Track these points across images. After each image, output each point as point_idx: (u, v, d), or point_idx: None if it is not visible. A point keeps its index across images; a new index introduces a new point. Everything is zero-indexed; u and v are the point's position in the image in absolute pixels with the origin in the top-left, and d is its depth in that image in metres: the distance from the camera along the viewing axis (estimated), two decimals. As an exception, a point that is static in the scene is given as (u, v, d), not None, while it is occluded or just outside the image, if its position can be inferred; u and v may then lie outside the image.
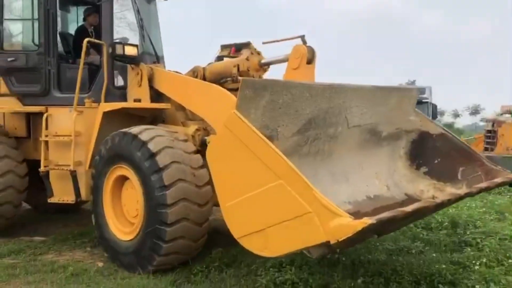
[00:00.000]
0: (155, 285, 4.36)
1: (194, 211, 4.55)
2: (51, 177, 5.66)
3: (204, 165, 4.66)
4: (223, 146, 3.57)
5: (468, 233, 5.80)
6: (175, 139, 4.79)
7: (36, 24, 5.86)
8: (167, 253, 4.52)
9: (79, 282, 4.48)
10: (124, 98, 5.87)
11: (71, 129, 5.48)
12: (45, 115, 5.65)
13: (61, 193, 5.63)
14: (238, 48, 5.86)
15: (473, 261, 4.84)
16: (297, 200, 3.16)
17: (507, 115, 16.41)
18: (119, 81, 5.97)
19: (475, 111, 44.60)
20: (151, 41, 6.27)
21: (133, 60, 5.60)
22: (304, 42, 5.10)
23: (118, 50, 5.37)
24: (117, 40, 5.83)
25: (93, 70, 5.89)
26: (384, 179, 5.18)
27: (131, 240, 4.77)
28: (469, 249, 5.34)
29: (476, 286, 4.28)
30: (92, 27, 6.68)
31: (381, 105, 4.95)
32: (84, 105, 5.62)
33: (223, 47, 6.30)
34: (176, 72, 5.89)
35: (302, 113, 4.03)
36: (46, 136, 5.64)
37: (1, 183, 5.69)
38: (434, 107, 16.80)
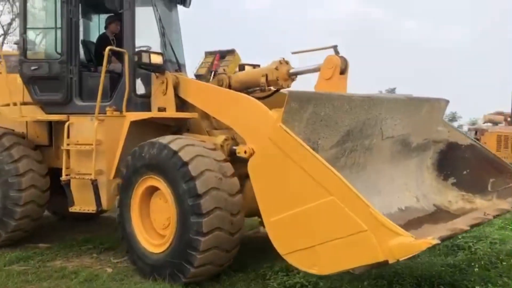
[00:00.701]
0: None
1: (227, 220, 4.44)
2: (72, 186, 5.63)
3: (235, 174, 4.62)
4: (267, 160, 3.51)
5: (459, 237, 5.68)
6: (206, 148, 4.72)
7: (59, 33, 5.84)
8: (201, 264, 4.41)
9: None
10: (146, 106, 5.83)
11: (92, 138, 5.44)
12: (66, 124, 5.63)
13: (82, 202, 5.59)
14: (222, 55, 5.83)
15: (472, 263, 4.87)
16: (351, 218, 3.06)
17: (489, 124, 16.37)
18: (140, 89, 5.93)
19: (452, 118, 44.63)
20: (173, 49, 6.24)
21: (159, 69, 5.56)
22: (337, 52, 5.00)
23: (144, 58, 5.33)
24: (141, 49, 5.82)
25: (115, 78, 5.85)
26: (413, 190, 5.13)
27: (162, 252, 4.67)
28: (462, 252, 5.36)
29: (476, 287, 4.28)
30: (114, 35, 6.68)
31: (413, 116, 4.91)
32: (105, 114, 5.58)
33: (208, 54, 6.29)
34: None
35: (341, 125, 3.99)
36: (68, 144, 5.60)
37: (24, 198, 5.68)
38: None
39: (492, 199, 5.07)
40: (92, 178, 5.39)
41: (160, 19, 6.07)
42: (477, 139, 15.43)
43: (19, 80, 6.00)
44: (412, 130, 5.01)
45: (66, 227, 7.12)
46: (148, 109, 5.85)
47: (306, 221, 3.29)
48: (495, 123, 16.85)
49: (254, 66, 6.34)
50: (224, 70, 6.18)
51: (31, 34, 6.06)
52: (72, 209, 5.63)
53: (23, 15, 5.96)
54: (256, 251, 5.23)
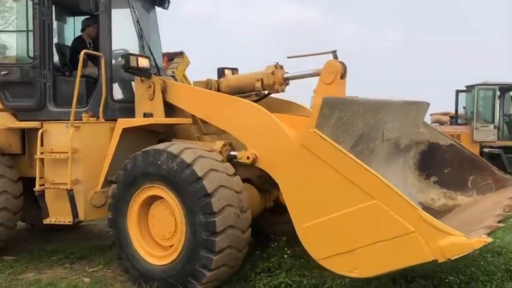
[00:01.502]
0: None
1: (238, 218, 4.41)
2: (47, 196, 5.35)
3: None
4: (300, 166, 3.50)
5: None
6: (216, 160, 4.59)
7: (30, 36, 5.57)
8: (216, 266, 4.28)
9: None
10: (124, 112, 5.61)
11: (68, 146, 5.18)
12: (40, 131, 5.35)
13: (58, 213, 5.31)
14: (171, 57, 5.71)
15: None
16: (397, 220, 3.10)
17: (437, 124, 16.96)
18: (118, 94, 5.72)
19: None
20: (152, 52, 6.03)
21: (145, 73, 5.35)
22: (336, 58, 4.96)
23: (132, 62, 5.11)
24: (118, 52, 5.60)
25: (91, 83, 5.62)
26: (401, 190, 5.25)
27: (170, 263, 4.48)
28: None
29: (449, 277, 4.32)
30: (90, 39, 6.44)
31: (404, 118, 5.08)
32: (81, 120, 5.34)
33: None
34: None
35: (356, 129, 4.05)
36: (42, 153, 5.33)
37: None
38: None
39: (472, 195, 5.30)
40: (68, 187, 5.14)
41: (138, 21, 5.84)
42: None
43: (-13, 86, 5.71)
44: (403, 132, 5.11)
45: (30, 237, 6.86)
46: (127, 114, 5.62)
47: (345, 225, 3.30)
48: (442, 123, 17.42)
49: (233, 70, 6.18)
50: (173, 72, 6.02)
51: (0, 37, 5.75)
52: (46, 221, 5.35)
53: (-8, 17, 5.68)
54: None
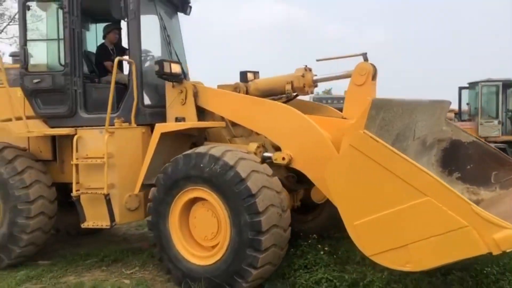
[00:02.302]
0: None
1: (280, 217, 4.54)
2: (83, 201, 5.46)
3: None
4: (349, 165, 3.61)
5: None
6: (255, 161, 4.73)
7: (61, 44, 5.68)
8: (262, 264, 4.42)
9: None
10: (154, 116, 5.74)
11: (103, 151, 5.30)
12: (75, 138, 5.46)
13: (95, 217, 5.42)
14: None
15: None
16: (450, 216, 3.25)
17: None
18: (147, 100, 5.83)
19: None
20: (178, 56, 6.16)
21: (178, 78, 5.48)
22: (366, 60, 5.11)
23: (166, 68, 5.24)
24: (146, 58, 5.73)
25: (120, 89, 5.73)
26: None
27: (215, 263, 4.59)
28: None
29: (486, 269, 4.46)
30: (113, 45, 6.56)
31: (431, 117, 5.20)
32: (113, 126, 5.46)
33: None
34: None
35: (395, 129, 4.17)
36: (77, 159, 5.44)
37: (34, 210, 5.48)
38: None
39: (495, 189, 5.37)
40: (104, 192, 5.25)
41: (165, 27, 5.97)
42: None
43: (19, 93, 5.80)
44: (429, 131, 5.24)
45: (55, 242, 6.92)
46: (157, 119, 5.75)
47: (397, 222, 3.43)
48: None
49: (255, 73, 6.31)
50: None
51: (32, 46, 5.85)
52: (84, 225, 5.45)
53: (23, 26, 5.76)
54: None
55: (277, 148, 5.15)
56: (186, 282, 4.72)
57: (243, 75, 6.17)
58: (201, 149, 4.79)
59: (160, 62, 5.28)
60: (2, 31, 23.78)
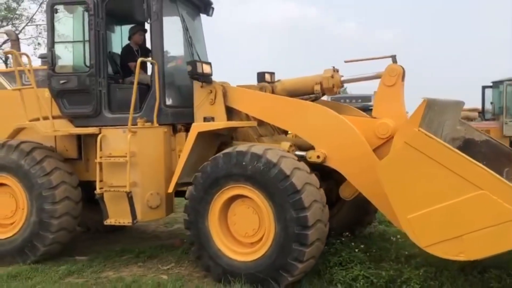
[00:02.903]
0: None
1: (323, 212, 4.72)
2: (106, 199, 5.58)
3: None
4: (403, 162, 3.83)
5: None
6: (295, 159, 4.87)
7: (87, 46, 5.83)
8: (307, 258, 4.55)
9: None
10: (176, 116, 5.86)
11: (125, 150, 5.42)
12: (99, 137, 5.59)
13: (117, 215, 5.54)
14: None
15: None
16: (506, 208, 3.45)
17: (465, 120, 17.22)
18: (169, 100, 5.92)
19: None
20: (200, 57, 6.23)
21: (208, 78, 5.57)
22: (395, 61, 5.23)
23: (199, 68, 5.35)
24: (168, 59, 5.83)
25: (143, 89, 5.83)
26: None
27: (258, 258, 4.70)
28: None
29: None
30: (138, 46, 6.68)
31: (454, 117, 5.38)
32: (137, 125, 5.57)
33: None
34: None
35: (432, 127, 4.32)
36: (101, 157, 5.57)
37: (59, 210, 5.64)
38: None
39: None
40: (127, 190, 5.36)
41: (187, 29, 6.06)
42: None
43: (47, 94, 5.99)
44: (450, 130, 5.32)
45: (90, 239, 7.13)
46: (179, 119, 5.87)
47: (452, 214, 3.64)
48: (471, 119, 17.82)
49: (271, 74, 6.32)
50: None
51: (59, 48, 6.02)
52: (107, 222, 5.58)
53: (51, 29, 5.95)
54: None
55: (301, 148, 5.27)
56: (227, 278, 4.80)
57: (261, 75, 6.22)
58: (241, 147, 4.89)
59: (193, 63, 5.37)
60: (20, 31, 24.45)
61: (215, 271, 4.93)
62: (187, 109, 6.03)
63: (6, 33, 8.30)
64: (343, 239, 5.56)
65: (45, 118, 5.84)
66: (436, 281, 4.53)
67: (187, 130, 5.86)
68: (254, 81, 6.16)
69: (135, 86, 5.41)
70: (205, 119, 5.60)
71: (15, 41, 6.60)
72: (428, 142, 3.71)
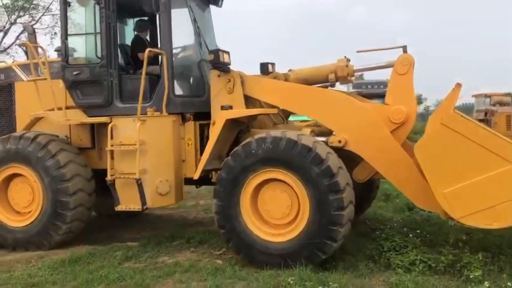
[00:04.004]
0: (288, 275, 4.54)
1: (353, 212, 5.00)
2: (117, 185, 5.77)
3: None
4: (440, 141, 4.18)
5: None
6: (325, 144, 5.11)
7: (98, 38, 6.00)
8: (341, 238, 4.81)
9: (229, 277, 4.74)
10: (185, 106, 6.01)
11: (135, 138, 5.58)
12: (110, 125, 5.78)
13: (128, 201, 5.73)
14: None
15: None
16: None
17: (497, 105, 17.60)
18: (178, 90, 6.06)
19: (418, 101, 45.81)
20: (208, 48, 6.33)
21: (227, 67, 5.69)
22: (405, 51, 5.48)
23: (221, 57, 5.49)
24: (177, 49, 5.96)
25: (153, 80, 5.99)
26: None
27: (292, 239, 4.88)
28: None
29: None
30: (148, 36, 6.82)
31: None
32: (146, 115, 5.72)
33: None
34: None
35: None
36: (112, 145, 5.76)
37: (73, 202, 5.83)
38: None
39: None
40: (136, 177, 5.53)
41: (195, 20, 6.17)
42: (487, 120, 16.83)
43: (61, 85, 6.18)
44: None
45: (131, 225, 7.31)
46: (187, 108, 6.00)
47: (485, 187, 4.03)
48: (504, 104, 18.09)
49: (272, 64, 6.42)
50: None
51: (71, 40, 6.21)
52: (117, 208, 5.77)
53: (64, 22, 6.14)
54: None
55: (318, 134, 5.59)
56: (260, 259, 4.96)
57: (264, 66, 6.31)
58: (275, 132, 5.05)
59: (215, 52, 5.49)
60: (37, 21, 24.97)
61: (248, 253, 5.08)
62: (195, 99, 6.19)
63: (23, 26, 8.55)
64: (395, 224, 5.72)
65: (60, 108, 6.05)
66: (495, 266, 4.61)
67: (195, 119, 6.03)
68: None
69: (143, 76, 5.56)
70: (223, 108, 5.70)
71: (31, 34, 6.80)
72: (463, 123, 4.06)
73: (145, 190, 5.61)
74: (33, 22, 24.13)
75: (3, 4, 25.32)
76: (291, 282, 4.39)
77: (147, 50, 5.58)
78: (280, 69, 6.31)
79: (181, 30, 6.13)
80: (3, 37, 25.48)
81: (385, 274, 4.69)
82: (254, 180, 5.03)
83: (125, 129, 5.75)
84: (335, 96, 5.53)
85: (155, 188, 5.68)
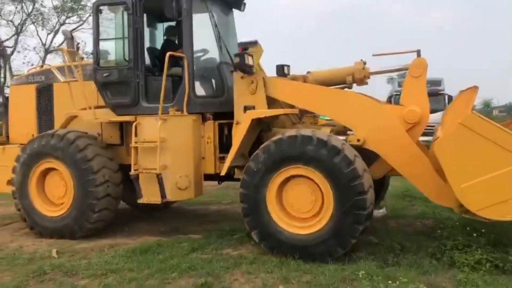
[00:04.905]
0: (354, 270, 4.74)
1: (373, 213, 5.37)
2: (140, 180, 6.19)
3: None
4: (458, 140, 4.40)
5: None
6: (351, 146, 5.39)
7: (126, 42, 6.45)
8: (359, 235, 5.09)
9: (294, 270, 4.88)
10: (206, 106, 6.36)
11: (157, 136, 5.98)
12: (134, 124, 6.21)
13: (149, 194, 6.14)
14: (244, 47, 6.24)
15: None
16: None
17: None
18: (199, 91, 6.40)
19: (486, 105, 44.13)
20: (228, 51, 6.64)
21: (251, 69, 5.98)
22: (419, 55, 5.75)
23: (247, 60, 5.78)
24: (198, 53, 6.32)
25: (177, 82, 6.36)
26: None
27: (318, 231, 5.15)
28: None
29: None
30: (177, 40, 7.21)
31: None
32: (168, 114, 6.11)
33: None
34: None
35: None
36: (136, 142, 6.18)
37: (101, 192, 6.28)
38: (450, 98, 16.64)
39: None
40: (156, 172, 5.93)
41: (216, 25, 6.49)
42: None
43: (93, 86, 6.68)
44: None
45: (191, 219, 7.69)
46: (208, 108, 6.35)
47: (500, 182, 4.32)
48: None
49: (287, 66, 6.64)
50: None
51: (103, 45, 6.70)
52: (140, 201, 6.20)
53: (96, 28, 6.63)
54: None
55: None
56: (284, 251, 5.25)
57: (280, 68, 6.54)
58: (304, 131, 5.33)
59: (241, 55, 5.78)
60: (84, 21, 26.33)
61: (270, 244, 5.33)
62: (215, 99, 6.52)
63: (62, 32, 9.22)
64: (457, 223, 5.77)
65: (90, 108, 6.56)
66: None
67: (215, 119, 6.36)
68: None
69: (164, 78, 5.95)
70: (246, 108, 5.98)
71: (70, 39, 7.38)
72: (480, 123, 4.31)
73: (165, 184, 6.00)
74: (80, 22, 25.52)
75: (53, 6, 26.88)
76: (360, 276, 4.55)
77: (168, 54, 5.95)
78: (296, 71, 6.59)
79: (202, 34, 6.47)
80: (53, 37, 27.05)
81: (450, 272, 4.75)
82: (281, 175, 5.28)
83: (148, 128, 6.16)
84: (354, 97, 5.79)
85: (175, 183, 6.05)
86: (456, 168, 4.43)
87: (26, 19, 28.34)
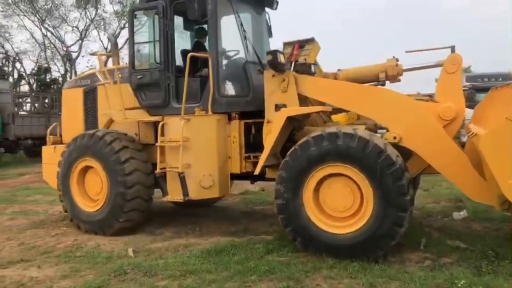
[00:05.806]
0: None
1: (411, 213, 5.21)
2: (168, 178, 6.37)
3: None
4: (504, 134, 4.29)
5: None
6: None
7: (157, 45, 6.68)
8: (399, 238, 5.01)
9: (379, 276, 4.68)
10: (231, 105, 6.42)
11: (180, 135, 6.12)
12: (161, 124, 6.41)
13: (173, 192, 6.30)
14: (301, 44, 6.15)
15: None
16: None
17: None
18: (225, 91, 6.46)
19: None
20: (257, 50, 6.62)
21: (283, 68, 5.99)
22: (453, 51, 5.66)
23: (280, 58, 5.80)
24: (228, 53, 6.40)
25: (205, 82, 6.46)
26: None
27: (355, 230, 5.08)
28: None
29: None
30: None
31: None
32: (192, 114, 6.23)
33: (286, 44, 6.57)
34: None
35: None
36: (162, 142, 6.38)
37: (131, 194, 6.49)
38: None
39: None
40: (179, 171, 6.07)
41: (241, 24, 6.52)
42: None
43: (129, 88, 7.00)
44: None
45: (260, 220, 7.57)
46: (233, 108, 6.41)
47: None
48: None
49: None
50: (305, 59, 6.35)
51: (138, 48, 7.01)
52: (165, 199, 6.39)
53: (131, 33, 6.95)
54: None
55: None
56: (319, 248, 5.23)
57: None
58: (346, 129, 5.24)
59: (274, 53, 5.78)
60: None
61: (316, 247, 5.25)
62: (241, 99, 6.54)
63: (107, 38, 9.73)
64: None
65: (127, 109, 6.88)
66: None
67: (240, 118, 6.38)
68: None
69: (186, 78, 6.09)
70: (277, 106, 5.94)
71: (114, 45, 7.80)
72: None
73: (188, 183, 6.12)
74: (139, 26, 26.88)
75: (114, 11, 28.42)
76: (460, 285, 4.30)
77: (189, 54, 6.08)
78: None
79: (228, 34, 6.53)
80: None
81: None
82: (320, 173, 5.21)
83: (173, 127, 6.32)
84: (390, 94, 5.65)
85: (198, 182, 6.15)
86: (503, 164, 4.28)
87: (89, 25, 30.37)
